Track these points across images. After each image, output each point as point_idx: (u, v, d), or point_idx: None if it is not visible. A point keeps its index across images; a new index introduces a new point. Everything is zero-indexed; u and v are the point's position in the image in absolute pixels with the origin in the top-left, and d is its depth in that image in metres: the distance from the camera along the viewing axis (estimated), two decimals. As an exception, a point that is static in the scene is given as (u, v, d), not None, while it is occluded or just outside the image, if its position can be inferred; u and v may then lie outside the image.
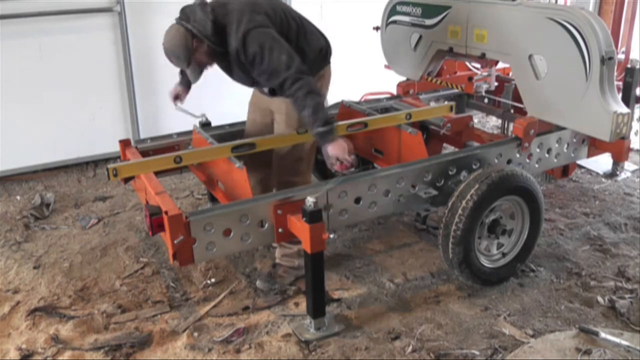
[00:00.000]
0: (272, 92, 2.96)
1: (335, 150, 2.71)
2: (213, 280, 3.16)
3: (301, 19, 3.00)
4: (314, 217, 2.49)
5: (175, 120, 3.48)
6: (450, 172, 3.03)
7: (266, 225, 2.65)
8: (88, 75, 4.49)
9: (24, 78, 4.31)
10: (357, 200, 2.82)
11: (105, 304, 2.96)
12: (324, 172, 3.85)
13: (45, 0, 4.19)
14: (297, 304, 2.95)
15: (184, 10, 2.81)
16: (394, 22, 3.99)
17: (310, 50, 2.94)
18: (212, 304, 2.96)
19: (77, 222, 3.86)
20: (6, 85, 4.25)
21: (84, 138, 4.57)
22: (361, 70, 4.97)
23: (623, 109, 2.92)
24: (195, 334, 2.74)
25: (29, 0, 4.14)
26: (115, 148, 3.34)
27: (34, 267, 3.31)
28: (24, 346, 2.66)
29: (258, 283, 3.09)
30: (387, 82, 4.24)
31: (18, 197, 4.25)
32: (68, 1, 4.28)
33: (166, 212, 2.44)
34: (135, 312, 2.91)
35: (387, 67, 4.24)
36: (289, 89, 2.69)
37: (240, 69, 2.85)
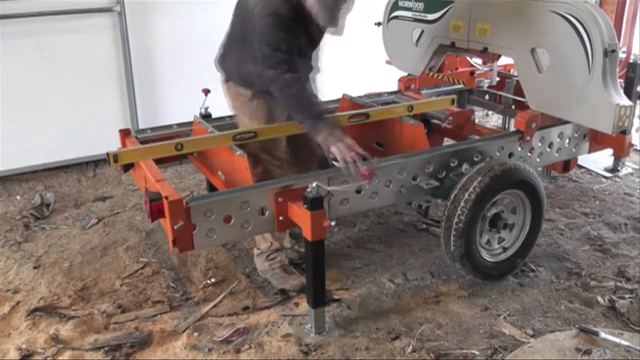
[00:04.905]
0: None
1: (327, 141, 2.69)
2: (213, 280, 3.16)
3: None
4: (315, 204, 2.48)
5: (175, 121, 3.48)
6: (452, 164, 3.02)
7: (267, 213, 2.64)
8: (88, 76, 4.49)
9: (24, 78, 4.30)
10: (359, 190, 2.80)
11: (105, 304, 2.96)
12: None
13: (45, 0, 4.19)
14: (297, 304, 2.95)
15: None
16: (396, 17, 3.99)
17: None
18: (212, 304, 2.96)
19: (77, 222, 3.86)
20: (6, 85, 4.25)
21: (84, 138, 4.57)
22: (362, 66, 4.97)
23: (626, 101, 2.91)
24: (195, 334, 2.74)
25: (29, 0, 4.14)
26: (116, 148, 3.33)
27: (34, 267, 3.31)
28: (24, 346, 2.66)
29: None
30: (388, 79, 4.23)
31: (18, 197, 4.25)
32: (68, 1, 4.27)
33: (166, 198, 2.42)
34: (135, 312, 2.90)
35: (388, 62, 4.24)
36: (265, 71, 2.66)
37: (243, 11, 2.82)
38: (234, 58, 2.96)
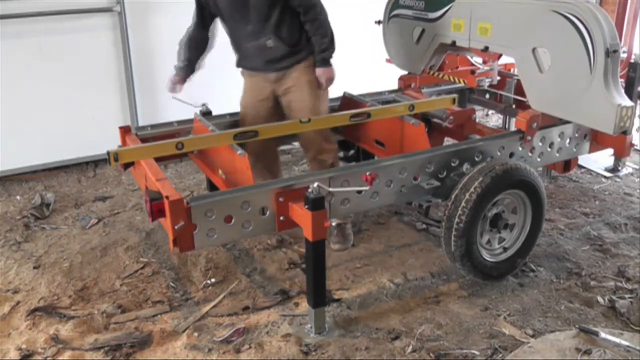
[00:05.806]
0: (278, 33, 3.16)
1: (326, 74, 3.24)
2: (213, 280, 3.16)
3: None
4: (316, 204, 2.48)
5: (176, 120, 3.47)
6: (452, 164, 3.02)
7: (267, 213, 2.64)
8: (88, 76, 4.48)
9: (24, 78, 4.30)
10: (359, 190, 2.81)
11: (105, 304, 2.96)
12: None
13: (45, 0, 4.19)
14: (297, 304, 2.95)
15: None
16: (397, 15, 3.99)
17: None
18: (212, 304, 2.96)
19: (77, 222, 3.86)
20: (6, 85, 4.25)
21: (84, 138, 4.56)
22: (362, 65, 4.96)
23: (627, 102, 2.90)
24: (195, 334, 2.74)
25: (29, 0, 4.14)
26: (116, 147, 3.33)
27: (34, 267, 3.31)
28: (24, 346, 2.66)
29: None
30: (388, 77, 4.23)
31: (18, 197, 4.25)
32: (68, 1, 4.27)
33: (167, 197, 2.42)
34: (135, 312, 2.90)
35: (388, 61, 4.24)
36: (318, 14, 3.16)
37: None
38: (280, 40, 3.18)
